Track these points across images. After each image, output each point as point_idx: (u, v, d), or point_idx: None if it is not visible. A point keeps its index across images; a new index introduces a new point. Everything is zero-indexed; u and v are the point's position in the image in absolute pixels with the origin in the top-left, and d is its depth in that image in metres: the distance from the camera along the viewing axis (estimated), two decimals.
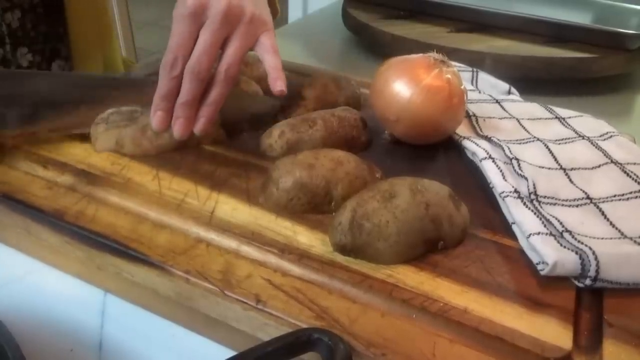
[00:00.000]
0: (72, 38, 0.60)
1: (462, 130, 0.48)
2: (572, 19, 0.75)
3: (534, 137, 0.48)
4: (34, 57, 0.58)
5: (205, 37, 0.40)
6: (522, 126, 0.50)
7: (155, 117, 0.42)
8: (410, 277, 0.33)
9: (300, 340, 0.28)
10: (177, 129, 0.42)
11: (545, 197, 0.39)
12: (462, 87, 0.46)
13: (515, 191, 0.39)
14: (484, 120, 0.50)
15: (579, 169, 0.43)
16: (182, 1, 0.40)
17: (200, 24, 0.40)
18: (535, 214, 0.37)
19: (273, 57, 0.44)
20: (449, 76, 0.44)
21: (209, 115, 0.42)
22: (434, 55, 0.45)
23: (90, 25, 0.62)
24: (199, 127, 0.42)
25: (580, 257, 0.33)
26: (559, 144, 0.47)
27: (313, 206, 0.38)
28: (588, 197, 0.40)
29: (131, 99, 0.47)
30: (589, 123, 0.51)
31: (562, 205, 0.39)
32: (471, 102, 0.53)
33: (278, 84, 0.43)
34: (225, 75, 0.41)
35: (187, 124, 0.42)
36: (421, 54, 0.46)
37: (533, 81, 0.67)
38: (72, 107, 0.46)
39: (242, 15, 0.41)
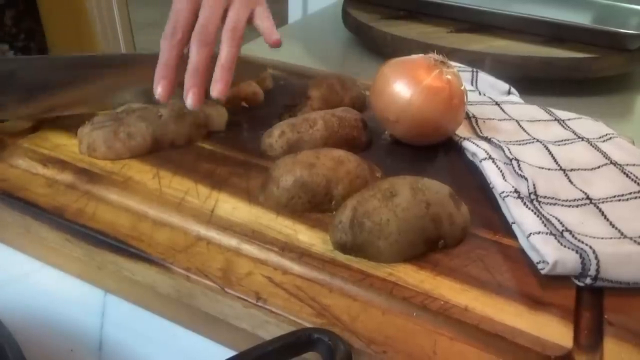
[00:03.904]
0: (48, 36, 0.59)
1: (462, 131, 0.49)
2: (571, 19, 0.75)
3: (534, 138, 0.48)
4: (15, 55, 0.58)
5: (206, 10, 0.43)
6: (522, 128, 0.50)
7: (160, 87, 0.42)
8: (410, 275, 0.33)
9: (300, 340, 0.28)
10: (192, 98, 0.42)
11: (545, 197, 0.39)
12: (463, 87, 0.46)
13: (515, 191, 0.39)
14: (484, 121, 0.50)
15: (578, 170, 0.43)
16: None
17: (198, 2, 0.43)
18: (535, 213, 0.37)
19: (268, 21, 0.47)
20: (449, 77, 0.44)
21: (225, 78, 0.42)
22: (434, 56, 0.45)
23: (66, 23, 0.62)
24: (217, 89, 0.42)
25: (581, 256, 0.33)
26: (559, 145, 0.47)
27: (313, 205, 0.38)
28: (588, 198, 0.40)
29: (124, 75, 0.47)
30: (588, 125, 0.51)
31: (562, 205, 0.39)
32: (471, 104, 0.53)
33: (274, 35, 0.47)
34: (232, 34, 0.43)
35: (200, 92, 0.43)
36: (421, 55, 0.46)
37: (532, 81, 0.67)
38: (65, 88, 0.46)
39: None
